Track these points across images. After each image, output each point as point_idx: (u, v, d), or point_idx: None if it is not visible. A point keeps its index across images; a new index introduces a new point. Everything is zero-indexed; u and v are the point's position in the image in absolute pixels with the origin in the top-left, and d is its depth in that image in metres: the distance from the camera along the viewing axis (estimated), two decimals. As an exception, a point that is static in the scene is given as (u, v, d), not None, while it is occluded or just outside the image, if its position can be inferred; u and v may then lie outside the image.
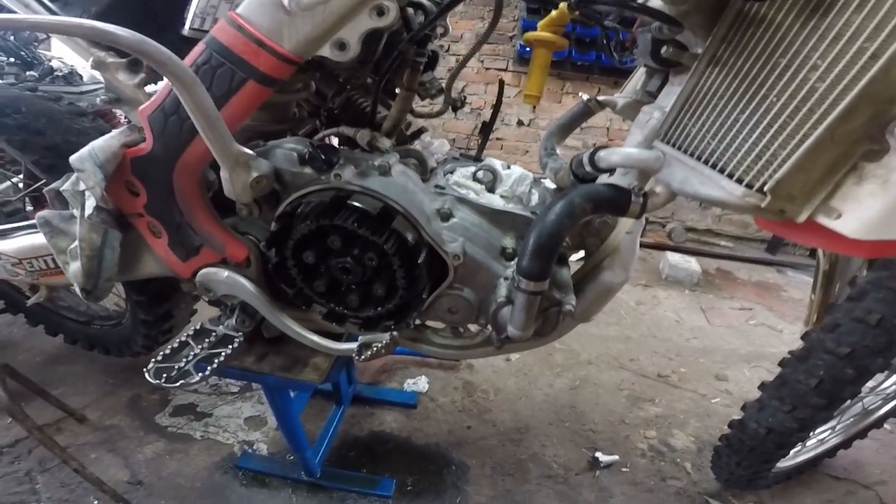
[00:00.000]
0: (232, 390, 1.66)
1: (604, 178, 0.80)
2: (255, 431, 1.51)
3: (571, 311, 0.77)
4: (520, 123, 3.76)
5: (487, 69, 3.71)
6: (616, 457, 1.55)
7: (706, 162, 0.61)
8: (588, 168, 0.76)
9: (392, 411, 1.65)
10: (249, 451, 1.44)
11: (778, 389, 1.19)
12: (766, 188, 0.53)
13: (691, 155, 0.63)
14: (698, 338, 2.35)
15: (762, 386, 1.26)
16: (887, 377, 1.45)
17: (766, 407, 1.22)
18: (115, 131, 0.81)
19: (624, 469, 1.53)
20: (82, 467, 1.17)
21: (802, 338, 1.24)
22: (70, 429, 1.44)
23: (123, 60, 0.84)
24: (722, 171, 0.58)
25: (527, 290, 0.72)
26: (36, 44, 2.38)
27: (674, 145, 0.67)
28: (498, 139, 3.81)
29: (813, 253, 3.48)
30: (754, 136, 0.55)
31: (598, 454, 1.55)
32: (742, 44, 0.59)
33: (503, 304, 0.80)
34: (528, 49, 3.45)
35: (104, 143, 0.78)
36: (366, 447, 1.50)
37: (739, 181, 0.56)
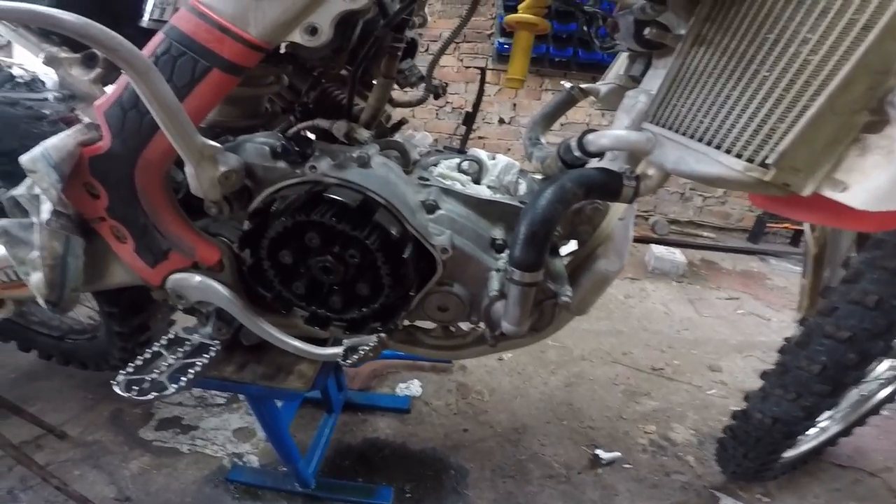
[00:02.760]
0: (218, 402, 1.60)
1: (593, 164, 0.77)
2: (244, 443, 1.46)
3: (568, 303, 0.73)
4: (501, 121, 3.75)
5: (467, 68, 3.70)
6: (617, 453, 1.53)
7: (700, 140, 0.60)
8: (577, 153, 0.73)
9: (385, 417, 1.60)
10: (240, 463, 1.39)
11: (780, 378, 1.17)
12: (769, 161, 0.52)
13: (683, 134, 0.62)
14: (689, 329, 2.35)
15: (764, 375, 1.24)
16: (880, 362, 1.45)
17: (770, 396, 1.20)
18: (69, 129, 0.75)
19: (626, 465, 1.50)
20: (64, 485, 1.12)
21: (800, 323, 1.23)
22: (50, 446, 1.38)
23: (77, 55, 0.79)
24: (718, 147, 0.57)
25: (521, 281, 0.69)
26: None
27: (664, 126, 0.66)
28: (480, 137, 3.79)
29: (794, 240, 3.58)
30: (749, 110, 0.54)
31: (598, 451, 1.52)
32: (726, 22, 0.59)
33: (496, 298, 0.76)
34: (506, 46, 3.47)
35: (58, 142, 0.72)
36: (360, 455, 1.45)
37: (739, 156, 0.55)
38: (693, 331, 2.34)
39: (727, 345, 2.23)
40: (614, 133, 0.69)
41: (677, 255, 3.00)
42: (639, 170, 0.72)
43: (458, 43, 3.62)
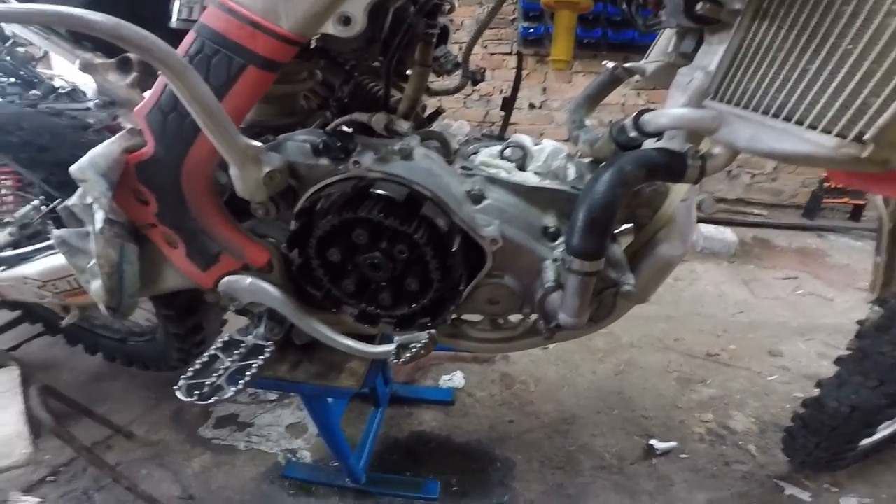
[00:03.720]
0: (270, 398, 1.64)
1: (649, 145, 0.72)
2: (296, 439, 1.49)
3: (631, 291, 0.69)
4: (531, 106, 3.65)
5: (492, 55, 3.62)
6: (673, 443, 1.47)
7: (776, 116, 0.56)
8: (632, 134, 0.70)
9: (430, 410, 1.60)
10: (293, 459, 1.42)
11: (859, 364, 1.09)
12: (866, 137, 0.48)
13: (754, 111, 0.59)
14: (744, 312, 2.23)
15: (839, 360, 1.16)
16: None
17: (847, 383, 1.12)
18: (114, 136, 0.76)
19: (683, 455, 1.44)
20: (134, 486, 1.16)
21: (877, 304, 1.13)
22: (119, 445, 1.45)
23: (112, 60, 0.79)
24: (800, 123, 0.54)
25: (580, 270, 0.65)
26: (34, 62, 2.37)
27: (729, 103, 0.62)
28: (511, 124, 3.70)
29: (854, 215, 3.34)
30: (834, 85, 0.51)
31: (652, 441, 1.47)
32: None
33: (552, 289, 0.73)
34: (530, 31, 3.37)
35: (104, 150, 0.73)
36: (407, 449, 1.46)
37: (827, 132, 0.51)
38: (749, 313, 2.22)
39: (787, 328, 2.10)
40: (675, 112, 0.65)
41: (728, 233, 2.85)
42: (702, 148, 0.67)
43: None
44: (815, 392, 1.23)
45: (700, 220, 3.12)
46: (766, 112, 0.57)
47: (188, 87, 0.59)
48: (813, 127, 0.52)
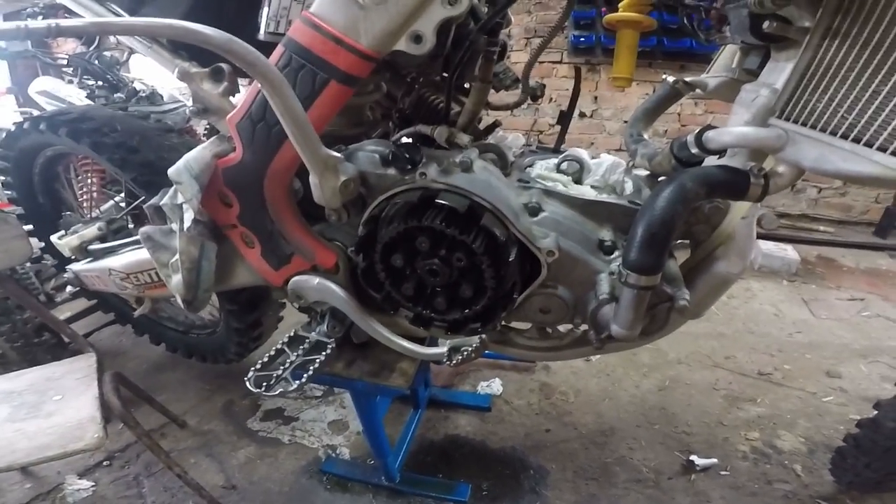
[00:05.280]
0: (316, 394, 1.71)
1: (710, 161, 0.72)
2: (337, 435, 1.54)
3: (686, 307, 0.69)
4: (582, 115, 3.61)
5: (541, 62, 3.60)
6: (714, 460, 1.43)
7: (845, 137, 0.56)
8: (694, 150, 0.70)
9: (466, 414, 1.62)
10: (333, 455, 1.47)
11: None
12: None
13: (822, 131, 0.59)
14: (802, 332, 2.12)
15: None
16: None
17: None
18: (206, 142, 0.83)
19: (723, 472, 1.40)
20: (184, 472, 1.22)
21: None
22: (173, 434, 1.54)
23: (206, 70, 0.85)
24: (870, 145, 0.54)
25: (637, 284, 0.66)
26: (118, 66, 2.53)
27: (795, 122, 0.62)
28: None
29: (931, 235, 3.09)
30: None
31: (693, 457, 1.43)
32: (863, 14, 0.55)
33: (605, 301, 0.74)
34: (581, 39, 3.34)
35: (198, 155, 0.80)
36: (441, 451, 1.48)
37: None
38: (807, 334, 2.11)
39: (849, 349, 1.99)
40: (740, 130, 0.65)
41: (789, 251, 2.72)
42: (766, 167, 0.67)
43: (528, 38, 3.54)
44: (873, 413, 1.19)
45: (760, 237, 2.98)
46: (833, 133, 0.57)
47: (283, 101, 0.64)
48: (883, 149, 0.52)
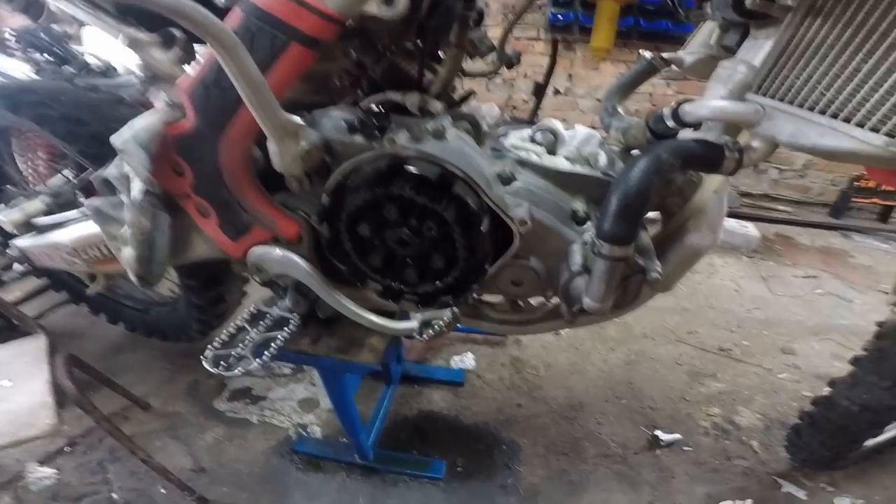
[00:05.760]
0: (285, 372, 1.68)
1: (685, 135, 0.72)
2: (308, 414, 1.52)
3: (658, 278, 0.69)
4: (556, 92, 3.60)
5: (517, 38, 3.55)
6: (678, 435, 1.48)
7: (822, 113, 0.57)
8: (670, 123, 0.70)
9: (440, 390, 1.62)
10: (304, 434, 1.45)
11: (876, 364, 1.10)
12: None
13: (800, 106, 0.60)
14: (760, 308, 2.21)
15: (855, 360, 1.16)
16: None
17: (861, 383, 1.13)
18: (154, 109, 0.77)
19: (686, 448, 1.46)
20: (149, 457, 1.18)
21: (898, 306, 1.13)
22: (136, 417, 1.48)
23: (156, 36, 0.80)
24: (847, 121, 0.55)
25: (610, 255, 0.65)
26: (67, 40, 2.40)
27: (773, 98, 0.63)
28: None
29: (883, 216, 3.27)
30: (887, 84, 0.51)
31: (658, 432, 1.49)
32: None
33: (578, 272, 0.73)
34: (559, 17, 3.31)
35: (145, 123, 0.75)
36: (415, 427, 1.49)
37: (875, 131, 0.52)
38: (765, 310, 2.20)
39: (802, 326, 2.09)
40: (717, 103, 0.65)
41: (750, 228, 2.81)
42: (739, 141, 0.67)
43: (505, 14, 3.48)
44: (826, 391, 1.23)
45: (722, 215, 3.08)
46: (811, 108, 0.58)
47: (237, 64, 0.60)
48: (860, 125, 0.53)
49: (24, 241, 1.31)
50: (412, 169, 0.73)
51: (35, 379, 1.10)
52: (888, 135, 0.51)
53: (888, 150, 0.51)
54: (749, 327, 2.06)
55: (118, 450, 1.34)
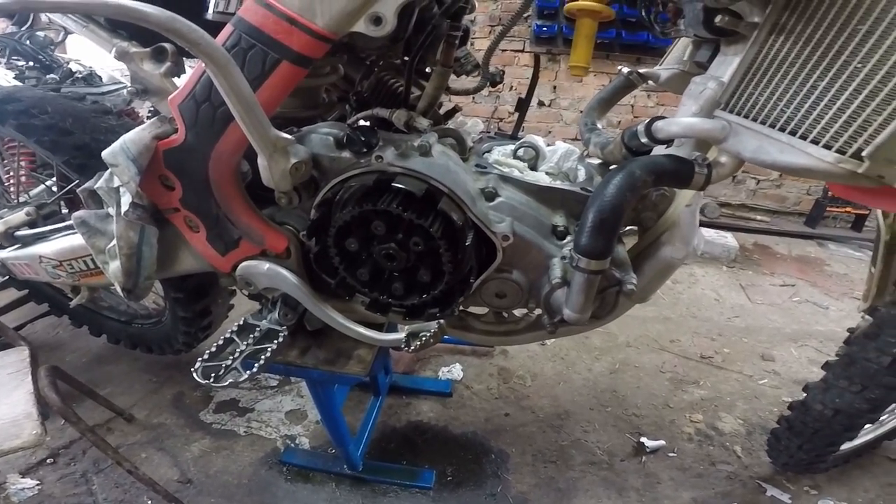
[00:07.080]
0: (271, 384, 1.67)
1: (659, 151, 0.75)
2: (296, 425, 1.51)
3: (633, 291, 0.72)
4: (541, 104, 3.66)
5: (503, 51, 3.61)
6: (662, 442, 1.51)
7: (782, 130, 0.59)
8: (644, 139, 0.72)
9: (428, 400, 1.63)
10: (292, 445, 1.44)
11: (846, 369, 1.13)
12: (864, 154, 0.52)
13: (762, 123, 0.62)
14: (740, 316, 2.27)
15: (826, 365, 1.20)
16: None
17: (833, 387, 1.16)
18: (145, 123, 0.78)
19: (671, 454, 1.48)
20: (135, 468, 1.17)
21: (868, 313, 1.17)
22: (120, 428, 1.46)
23: (147, 49, 0.81)
24: (804, 137, 0.57)
25: (587, 269, 0.68)
26: (52, 47, 2.37)
27: (738, 114, 0.65)
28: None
29: (856, 225, 3.38)
30: (840, 102, 0.54)
31: (643, 439, 1.51)
32: (809, 11, 0.58)
33: (558, 285, 0.76)
34: (544, 28, 3.38)
35: (136, 136, 0.76)
36: (404, 438, 1.49)
37: (828, 147, 0.54)
38: (744, 318, 2.26)
39: (781, 333, 2.15)
40: (686, 121, 0.68)
41: (729, 238, 2.89)
42: (710, 157, 0.70)
43: (492, 27, 3.55)
44: (802, 395, 1.26)
45: (702, 225, 3.13)
46: (773, 125, 0.60)
47: (228, 81, 0.61)
48: (816, 142, 0.55)
49: (4, 253, 1.30)
50: (399, 185, 0.75)
51: (18, 390, 1.08)
52: (839, 151, 0.53)
53: (838, 166, 0.53)
54: (729, 335, 2.11)
55: (102, 461, 1.32)
